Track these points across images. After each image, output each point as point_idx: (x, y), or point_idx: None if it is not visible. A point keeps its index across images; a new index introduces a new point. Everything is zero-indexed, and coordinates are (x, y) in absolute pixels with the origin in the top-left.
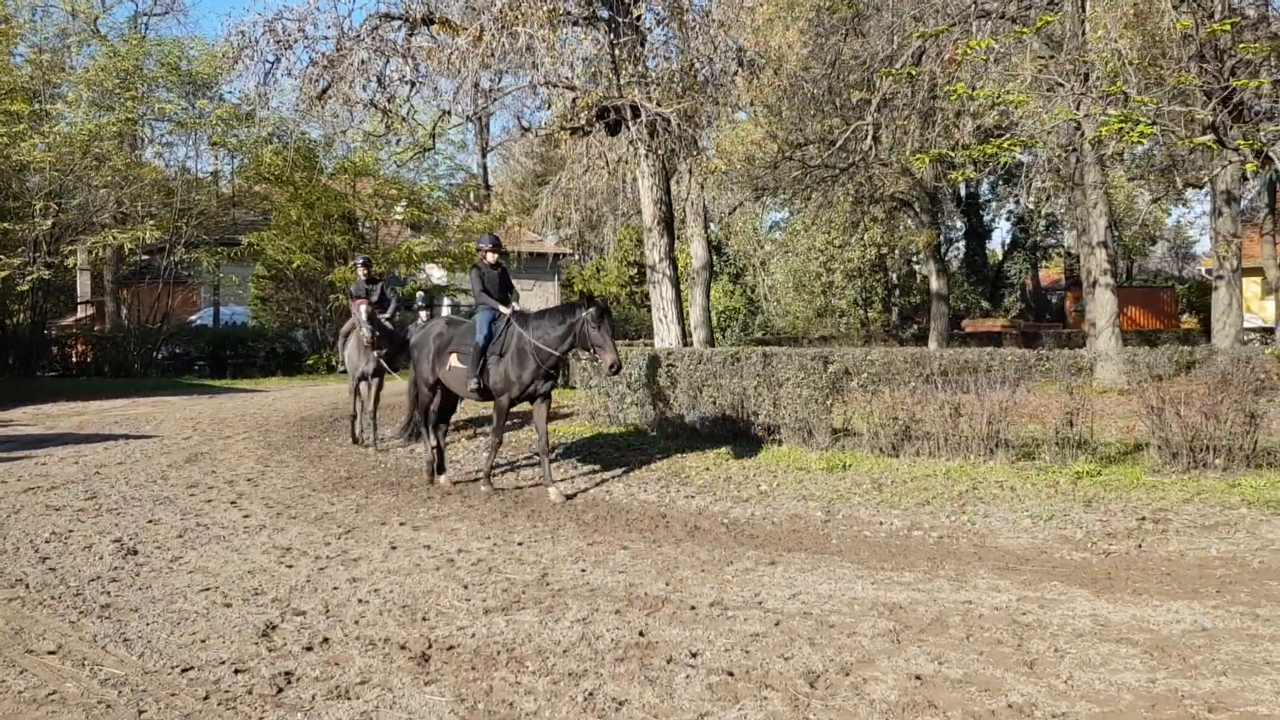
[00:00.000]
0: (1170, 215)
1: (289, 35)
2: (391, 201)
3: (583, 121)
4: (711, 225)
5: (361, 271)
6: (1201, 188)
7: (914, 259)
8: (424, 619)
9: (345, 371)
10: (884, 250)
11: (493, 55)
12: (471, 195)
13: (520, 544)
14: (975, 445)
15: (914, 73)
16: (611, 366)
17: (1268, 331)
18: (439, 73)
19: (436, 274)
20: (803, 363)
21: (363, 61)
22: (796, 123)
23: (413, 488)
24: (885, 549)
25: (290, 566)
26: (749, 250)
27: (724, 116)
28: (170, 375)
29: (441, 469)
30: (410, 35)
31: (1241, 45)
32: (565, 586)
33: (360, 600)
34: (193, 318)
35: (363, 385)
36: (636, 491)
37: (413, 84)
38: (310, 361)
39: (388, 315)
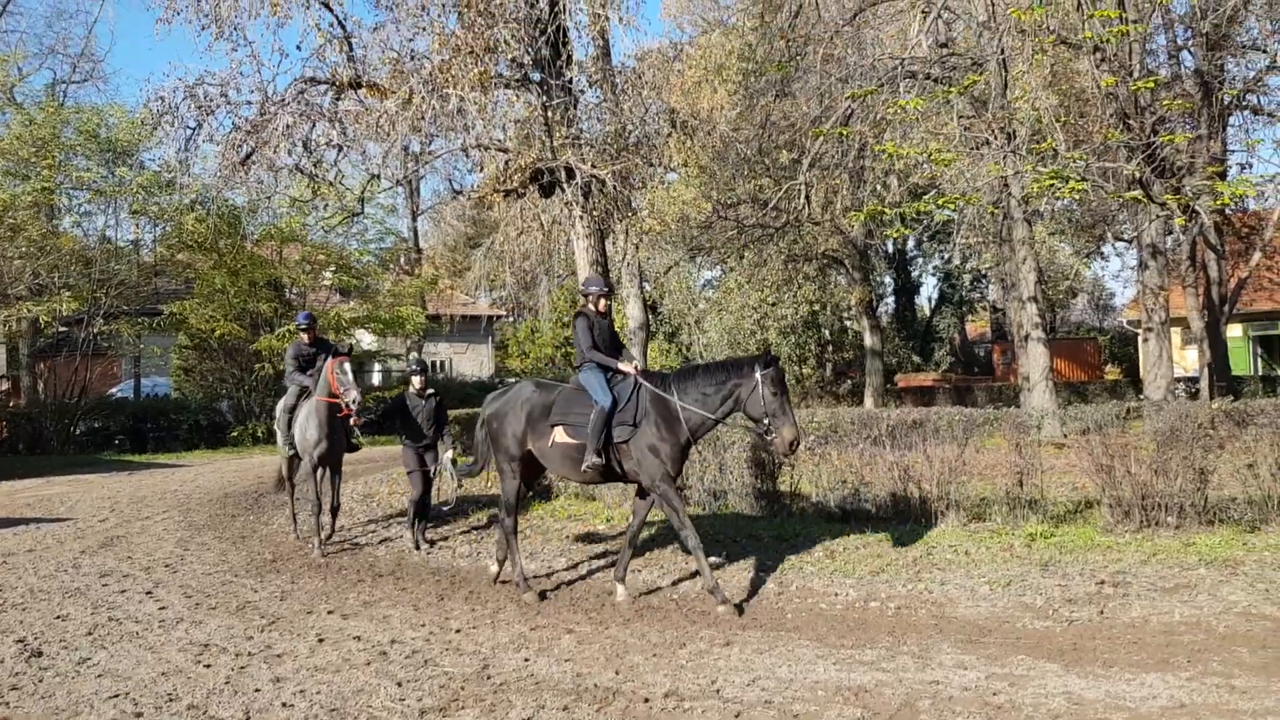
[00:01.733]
0: (1090, 268)
1: (211, 101)
2: (319, 267)
3: (516, 184)
4: (646, 285)
5: (304, 334)
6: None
7: (846, 315)
8: None
9: (293, 454)
10: (817, 307)
11: (423, 118)
12: (402, 259)
13: (458, 631)
14: (926, 507)
15: (843, 133)
16: (792, 445)
17: (1191, 381)
18: (367, 136)
19: (367, 339)
20: (747, 427)
21: (288, 126)
22: (729, 183)
23: (342, 570)
24: (843, 623)
25: (209, 666)
26: (683, 309)
27: (657, 177)
28: (89, 451)
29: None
30: (337, 99)
31: (1163, 102)
32: (508, 679)
33: (285, 704)
34: (113, 391)
35: (299, 470)
36: (580, 567)
37: (340, 148)
38: (235, 434)
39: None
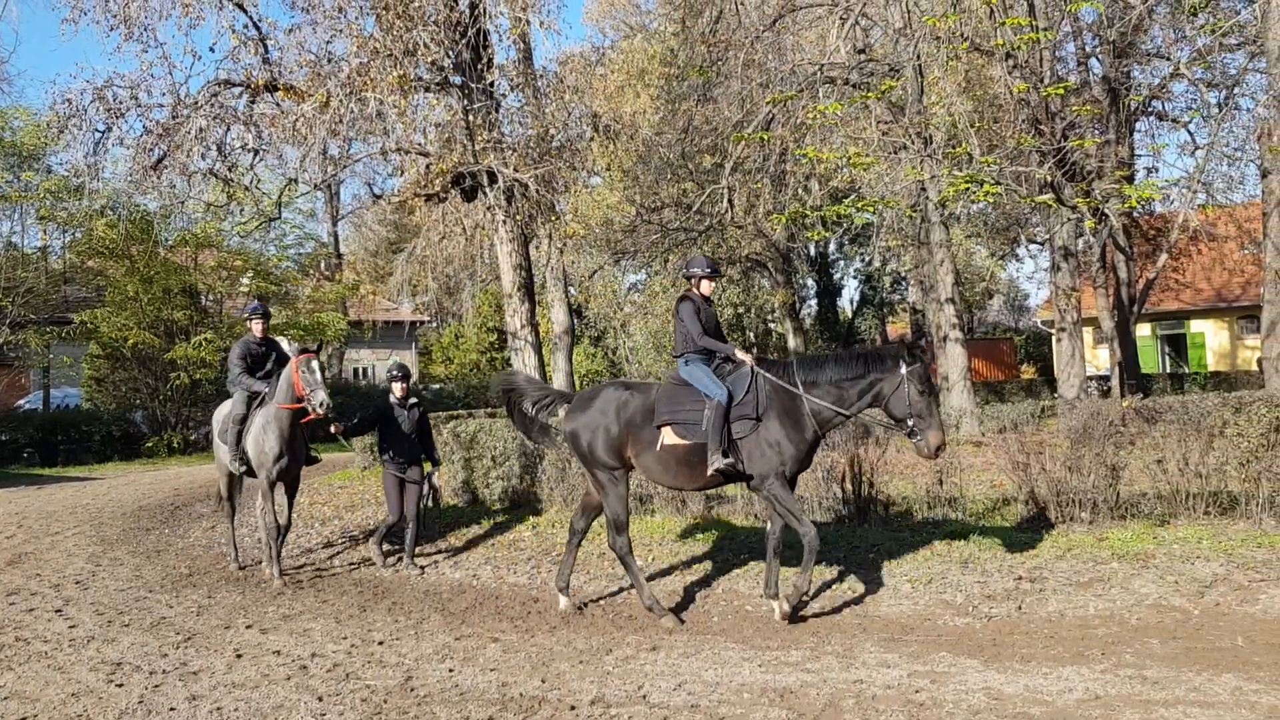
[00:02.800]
0: (1005, 270)
1: (120, 103)
2: (237, 273)
3: (438, 188)
4: (571, 289)
5: (256, 326)
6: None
7: (770, 318)
8: None
9: (246, 471)
10: (741, 310)
11: (340, 122)
12: (322, 264)
13: (381, 643)
14: (849, 507)
15: (764, 137)
16: (939, 449)
17: (1103, 379)
18: (284, 140)
19: (286, 346)
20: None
21: (201, 129)
22: (653, 187)
23: (261, 584)
24: (768, 625)
25: (121, 685)
26: (609, 313)
27: (581, 181)
28: None
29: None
30: (253, 102)
31: (1073, 108)
32: (432, 691)
33: None
34: (20, 402)
35: (245, 484)
36: (506, 574)
37: (256, 152)
38: (150, 445)
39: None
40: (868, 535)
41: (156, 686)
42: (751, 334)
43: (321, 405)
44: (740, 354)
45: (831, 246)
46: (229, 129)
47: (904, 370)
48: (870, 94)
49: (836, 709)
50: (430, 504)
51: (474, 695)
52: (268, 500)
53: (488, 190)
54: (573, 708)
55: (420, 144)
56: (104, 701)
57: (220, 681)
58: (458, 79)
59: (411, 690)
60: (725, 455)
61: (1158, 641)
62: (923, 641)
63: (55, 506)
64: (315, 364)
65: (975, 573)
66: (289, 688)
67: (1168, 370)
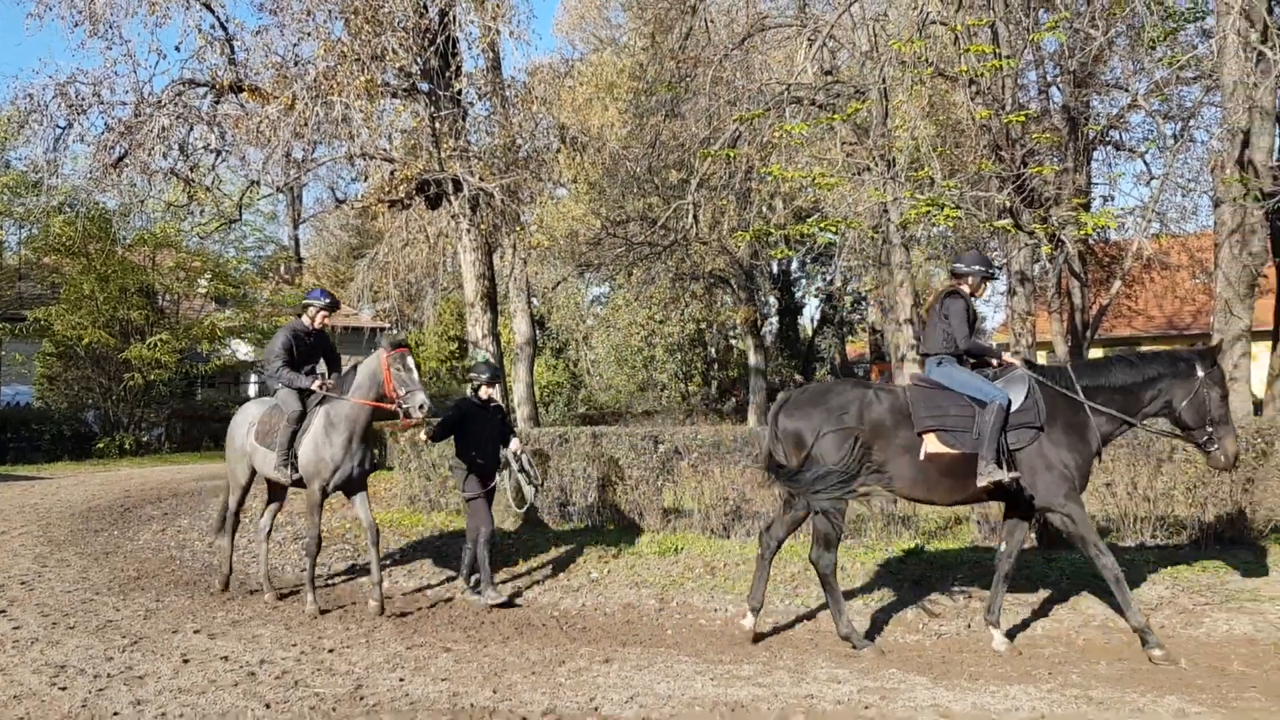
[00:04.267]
0: None
1: (83, 100)
2: (195, 274)
3: (402, 194)
4: (534, 300)
5: (317, 315)
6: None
7: (731, 334)
8: None
9: (296, 480)
10: (703, 325)
11: (305, 125)
12: (283, 268)
13: (331, 651)
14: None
15: (730, 154)
16: (1236, 457)
17: None
18: (247, 142)
19: (243, 350)
20: (633, 443)
21: (163, 128)
22: (618, 200)
23: (210, 588)
24: (722, 639)
25: (64, 689)
26: (571, 325)
27: (546, 193)
28: None
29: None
30: (217, 102)
31: (1033, 135)
32: (381, 700)
33: None
34: None
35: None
36: (460, 584)
37: (218, 153)
38: (101, 445)
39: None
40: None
41: (101, 690)
42: (713, 350)
43: (422, 408)
44: (1009, 357)
45: (794, 265)
46: (192, 129)
47: (1200, 374)
48: (836, 115)
49: None
50: (523, 499)
51: (424, 705)
52: (315, 514)
53: (452, 198)
54: (524, 719)
55: (385, 150)
56: (46, 705)
57: (166, 686)
58: (425, 85)
59: (361, 699)
60: (1003, 466)
61: (1104, 663)
62: (873, 658)
63: (2, 505)
64: (411, 360)
65: (926, 590)
66: (236, 694)
67: None
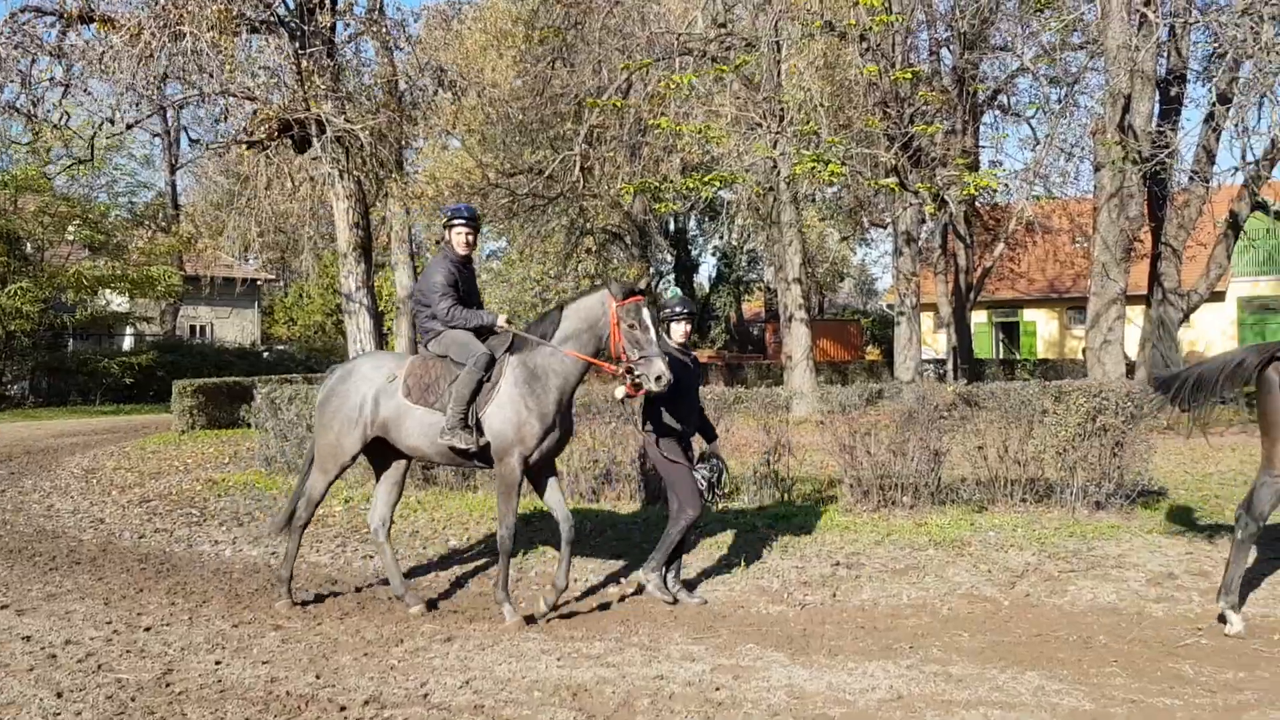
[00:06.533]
0: (856, 254)
1: None
2: (62, 220)
3: (263, 135)
4: (426, 254)
5: (460, 236)
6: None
7: None
8: None
9: (478, 452)
10: (598, 282)
11: (152, 57)
12: (159, 215)
13: (148, 629)
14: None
15: (619, 104)
16: None
17: (940, 363)
18: (95, 75)
19: (117, 300)
20: None
21: (1, 59)
22: (509, 152)
23: (35, 556)
24: (577, 612)
25: None
26: None
27: (434, 141)
28: None
29: None
30: (64, 32)
31: (921, 94)
32: (190, 687)
33: None
34: None
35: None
36: (308, 552)
37: (66, 87)
38: None
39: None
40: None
41: None
42: (501, 313)
43: (659, 380)
44: None
45: (690, 223)
46: (34, 60)
47: None
48: (725, 67)
49: (630, 709)
50: (711, 496)
51: (236, 693)
52: (512, 496)
53: (316, 141)
54: (343, 709)
55: (248, 88)
56: None
57: None
58: (288, 19)
59: (167, 685)
60: None
61: (967, 635)
62: (733, 631)
63: None
64: (649, 315)
65: (794, 558)
66: (28, 681)
67: (1001, 356)
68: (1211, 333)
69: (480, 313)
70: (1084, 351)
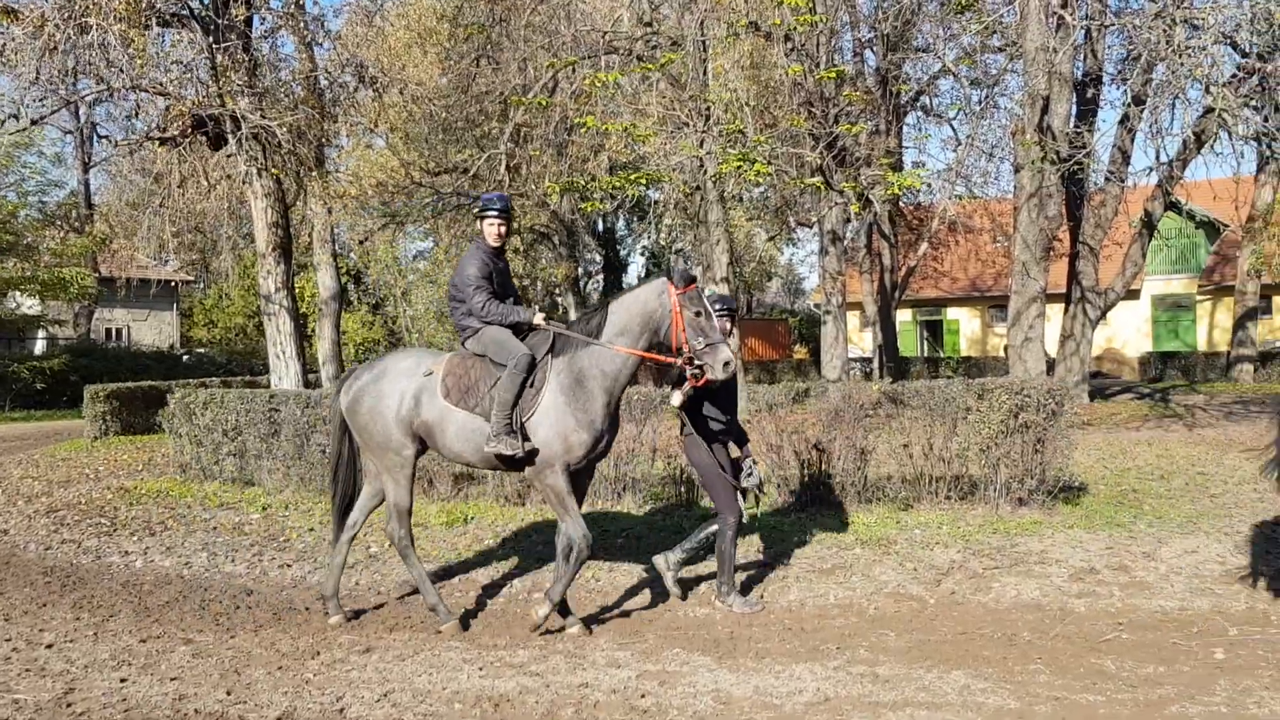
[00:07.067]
0: (783, 253)
1: None
2: None
3: (176, 132)
4: (352, 255)
5: (493, 228)
6: (811, 227)
7: (555, 291)
8: None
9: (524, 458)
10: (526, 282)
11: (56, 50)
12: (72, 215)
13: (50, 646)
14: (603, 489)
15: (545, 102)
16: None
17: (865, 361)
18: None
19: (27, 303)
20: None
21: None
22: (433, 150)
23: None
24: (501, 620)
25: None
26: (390, 280)
27: (357, 140)
28: None
29: None
30: None
31: (845, 95)
32: (92, 708)
33: None
34: None
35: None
36: (223, 563)
37: None
38: None
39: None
40: (618, 520)
41: None
42: (535, 306)
43: (727, 366)
44: None
45: (619, 223)
46: None
47: None
48: (651, 65)
49: (553, 719)
50: (751, 502)
51: (141, 712)
52: (568, 501)
53: (231, 138)
54: None
55: (162, 84)
56: None
57: None
58: (200, 12)
59: (68, 706)
60: None
61: (893, 634)
62: (659, 635)
63: None
64: (708, 300)
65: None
66: None
67: (925, 354)
68: (1127, 330)
69: (517, 309)
70: (1006, 349)
